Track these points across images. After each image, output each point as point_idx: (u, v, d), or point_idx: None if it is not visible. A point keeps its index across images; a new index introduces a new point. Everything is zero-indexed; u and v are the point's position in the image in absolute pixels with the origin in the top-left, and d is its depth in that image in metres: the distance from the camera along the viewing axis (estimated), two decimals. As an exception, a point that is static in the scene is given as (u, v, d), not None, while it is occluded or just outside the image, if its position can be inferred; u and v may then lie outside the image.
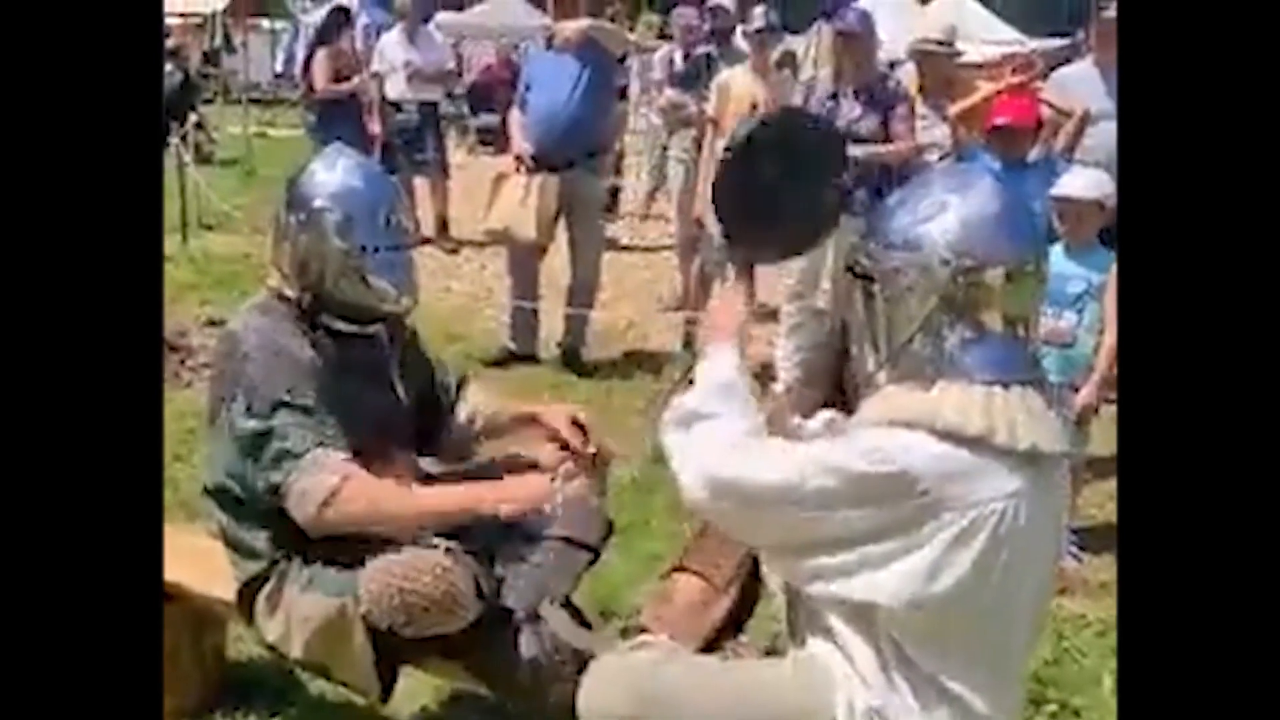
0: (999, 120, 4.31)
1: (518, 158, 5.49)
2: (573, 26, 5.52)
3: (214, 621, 2.68)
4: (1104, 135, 4.82)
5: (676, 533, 3.38)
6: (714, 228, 5.79)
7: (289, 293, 2.32)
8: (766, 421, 1.85)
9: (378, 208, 2.32)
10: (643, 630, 2.03)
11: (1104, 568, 3.69)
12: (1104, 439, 4.00)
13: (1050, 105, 4.85)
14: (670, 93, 6.92)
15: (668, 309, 6.74)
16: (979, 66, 8.22)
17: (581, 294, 5.77)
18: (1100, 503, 4.17)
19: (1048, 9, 19.43)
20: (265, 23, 21.63)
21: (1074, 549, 3.75)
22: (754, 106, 5.65)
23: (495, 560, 2.30)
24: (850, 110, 4.97)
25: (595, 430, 2.53)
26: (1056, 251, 3.64)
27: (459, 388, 2.64)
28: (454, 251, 8.35)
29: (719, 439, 1.75)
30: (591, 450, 2.47)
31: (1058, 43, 14.88)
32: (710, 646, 2.06)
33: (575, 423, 2.49)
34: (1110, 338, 3.61)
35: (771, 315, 5.71)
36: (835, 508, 1.63)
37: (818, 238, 2.39)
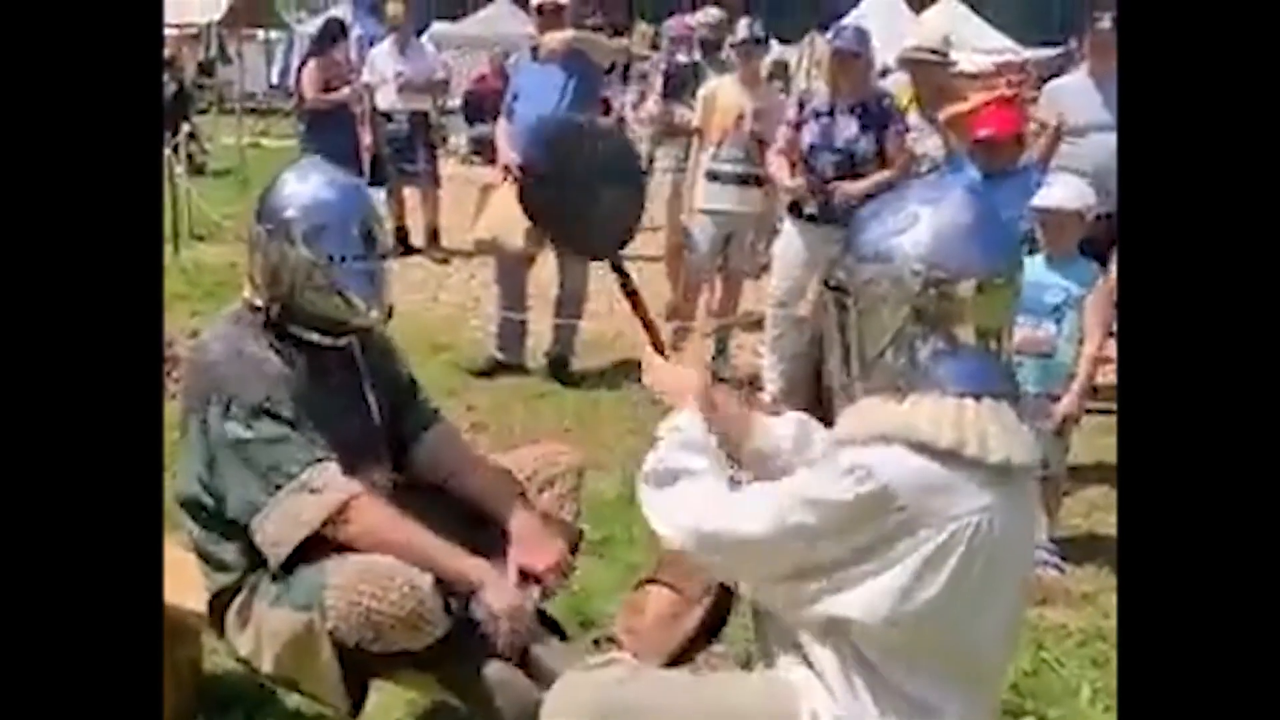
0: (982, 132, 4.31)
1: (505, 168, 5.49)
2: (558, 37, 5.53)
3: (188, 634, 2.66)
4: (1093, 147, 4.82)
5: (658, 544, 3.36)
6: (699, 236, 5.82)
7: (259, 303, 2.31)
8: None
9: (349, 219, 2.31)
10: (611, 641, 2.02)
11: (1086, 579, 3.68)
12: (1085, 448, 3.99)
13: (1030, 117, 4.85)
14: (651, 103, 6.90)
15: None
16: (974, 77, 8.24)
17: (569, 304, 5.77)
18: (1084, 512, 4.16)
19: (1040, 17, 19.54)
20: (261, 33, 21.60)
21: (1055, 560, 3.74)
22: (740, 118, 5.66)
23: None
24: (847, 128, 4.96)
25: (580, 442, 2.51)
26: (1037, 262, 3.64)
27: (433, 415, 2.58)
28: (444, 261, 8.35)
29: (699, 495, 1.77)
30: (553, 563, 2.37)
31: (1050, 52, 14.96)
32: (682, 657, 2.05)
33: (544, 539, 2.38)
34: (1091, 347, 3.61)
35: (758, 324, 5.71)
36: (816, 540, 1.64)
37: (629, 230, 2.36)
